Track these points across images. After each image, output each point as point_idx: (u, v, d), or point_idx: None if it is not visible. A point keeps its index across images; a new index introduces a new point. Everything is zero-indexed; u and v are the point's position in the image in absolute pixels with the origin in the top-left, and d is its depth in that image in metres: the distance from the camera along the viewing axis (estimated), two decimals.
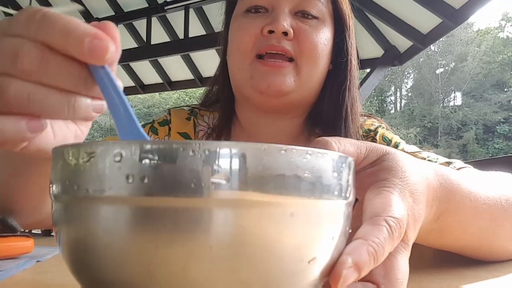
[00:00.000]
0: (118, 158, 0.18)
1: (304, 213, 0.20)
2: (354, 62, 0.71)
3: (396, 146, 0.70)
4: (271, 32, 0.63)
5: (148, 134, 0.75)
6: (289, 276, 0.20)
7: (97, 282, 0.20)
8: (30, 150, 0.32)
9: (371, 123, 0.75)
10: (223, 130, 0.72)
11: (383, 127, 0.74)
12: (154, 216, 0.18)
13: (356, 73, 0.71)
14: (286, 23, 0.63)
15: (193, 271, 0.18)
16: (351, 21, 0.71)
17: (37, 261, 0.40)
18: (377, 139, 0.72)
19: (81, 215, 0.20)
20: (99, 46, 0.26)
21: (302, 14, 0.66)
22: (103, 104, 0.30)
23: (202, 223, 0.18)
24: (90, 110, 0.29)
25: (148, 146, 0.18)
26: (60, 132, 0.34)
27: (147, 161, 0.18)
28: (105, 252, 0.19)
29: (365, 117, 0.77)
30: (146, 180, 0.18)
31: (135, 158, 0.18)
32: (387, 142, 0.71)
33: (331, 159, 0.21)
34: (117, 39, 0.27)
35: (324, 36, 0.66)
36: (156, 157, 0.18)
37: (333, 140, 0.30)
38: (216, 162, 0.18)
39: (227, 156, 0.18)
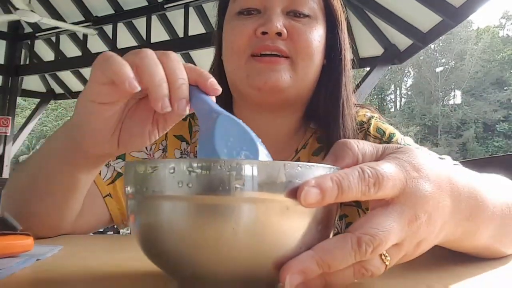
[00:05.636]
0: (172, 170, 0.27)
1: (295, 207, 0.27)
2: (348, 57, 0.70)
3: (390, 137, 0.69)
4: (264, 33, 0.63)
5: None
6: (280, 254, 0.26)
7: (162, 255, 0.28)
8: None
9: (364, 114, 0.74)
10: None
11: (376, 118, 0.73)
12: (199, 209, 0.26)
13: (350, 67, 0.70)
14: (279, 23, 0.63)
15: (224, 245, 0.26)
16: (343, 16, 0.71)
17: (37, 260, 0.40)
18: (371, 131, 0.71)
19: (149, 209, 0.28)
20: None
21: (294, 14, 0.65)
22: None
23: (228, 213, 0.26)
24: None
25: (194, 164, 0.26)
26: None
27: (194, 171, 0.26)
28: (167, 234, 0.27)
29: (358, 108, 0.75)
30: (190, 185, 0.26)
31: (184, 170, 0.26)
32: (381, 134, 0.70)
33: (317, 169, 0.27)
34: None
35: (317, 33, 0.66)
36: (198, 170, 0.26)
37: (353, 140, 0.32)
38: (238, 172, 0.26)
39: (243, 169, 0.26)
